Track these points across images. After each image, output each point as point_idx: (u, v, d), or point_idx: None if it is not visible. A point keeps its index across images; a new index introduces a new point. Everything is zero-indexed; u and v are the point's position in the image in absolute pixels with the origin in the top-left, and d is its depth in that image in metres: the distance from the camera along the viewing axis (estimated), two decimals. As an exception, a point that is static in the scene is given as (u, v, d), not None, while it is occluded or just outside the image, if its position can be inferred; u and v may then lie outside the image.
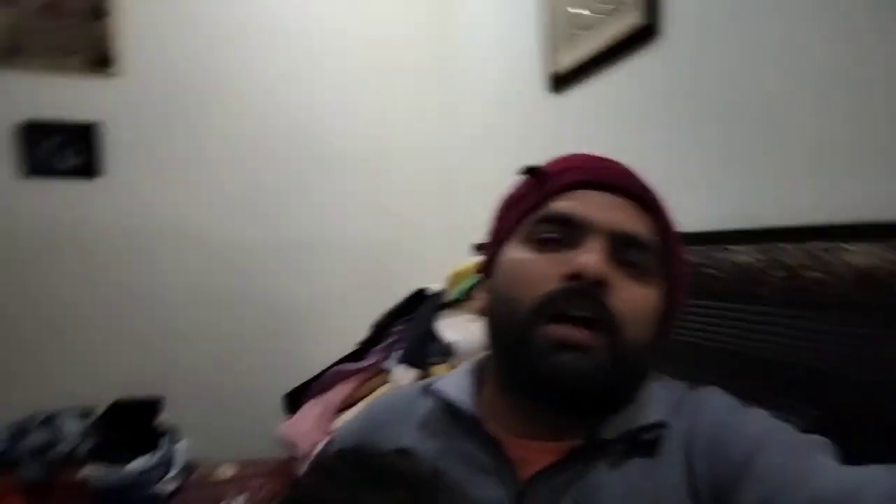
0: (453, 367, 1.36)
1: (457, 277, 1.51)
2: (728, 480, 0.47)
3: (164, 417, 1.67)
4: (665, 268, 0.56)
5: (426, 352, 1.40)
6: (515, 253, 0.56)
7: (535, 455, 0.53)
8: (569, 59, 1.38)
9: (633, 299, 0.52)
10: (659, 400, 0.57)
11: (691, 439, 0.52)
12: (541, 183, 0.57)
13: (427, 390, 0.63)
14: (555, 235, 0.54)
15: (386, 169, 2.14)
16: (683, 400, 0.56)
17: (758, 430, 0.49)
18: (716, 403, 0.55)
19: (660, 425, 0.53)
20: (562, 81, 1.43)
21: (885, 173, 0.69)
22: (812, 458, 0.45)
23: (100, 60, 1.89)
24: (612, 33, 1.20)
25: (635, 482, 0.51)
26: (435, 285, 1.59)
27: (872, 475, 0.39)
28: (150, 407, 1.64)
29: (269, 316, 2.02)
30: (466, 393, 0.60)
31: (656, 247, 0.55)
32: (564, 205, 0.55)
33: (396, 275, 1.90)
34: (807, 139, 0.79)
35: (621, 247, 0.53)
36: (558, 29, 1.42)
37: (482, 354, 0.64)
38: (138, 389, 1.71)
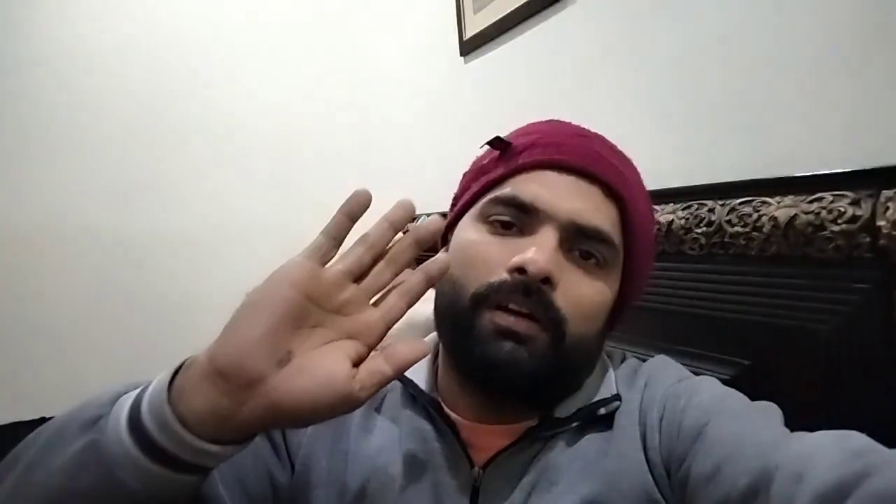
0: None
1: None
2: (680, 450, 0.47)
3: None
4: (625, 257, 0.54)
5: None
6: (469, 231, 0.54)
7: (490, 439, 0.53)
8: (482, 21, 1.33)
9: (582, 294, 0.50)
10: (608, 375, 0.57)
11: (644, 411, 0.52)
12: (505, 158, 0.54)
13: None
14: (509, 219, 0.52)
15: (294, 147, 2.00)
16: (634, 371, 0.57)
17: (707, 398, 0.50)
18: (665, 374, 0.55)
19: (615, 398, 0.54)
20: (476, 44, 1.38)
21: (803, 128, 0.70)
22: (762, 425, 0.45)
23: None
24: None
25: (592, 458, 0.51)
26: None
27: (823, 442, 0.39)
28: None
29: (174, 315, 1.84)
30: (424, 375, 0.58)
31: (616, 238, 0.52)
32: (523, 189, 0.52)
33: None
34: (725, 95, 0.79)
35: (578, 237, 0.51)
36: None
37: (434, 334, 0.61)
38: (25, 411, 1.52)
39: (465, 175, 0.60)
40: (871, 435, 0.39)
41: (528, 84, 1.21)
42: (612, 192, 0.53)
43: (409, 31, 1.77)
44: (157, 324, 1.82)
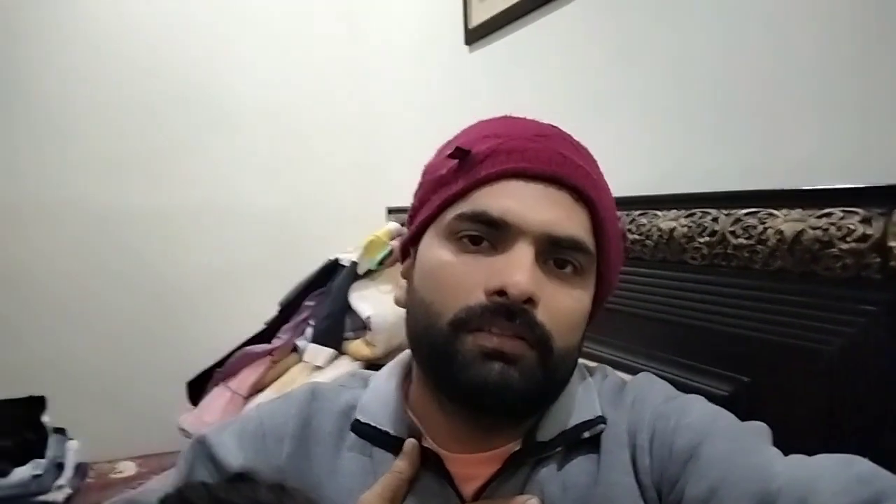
0: (368, 342, 1.29)
1: (372, 246, 1.42)
2: (672, 472, 0.46)
3: (49, 417, 1.50)
4: (601, 257, 0.51)
5: (340, 328, 1.33)
6: (436, 250, 0.50)
7: (474, 468, 0.51)
8: (489, 10, 1.29)
9: (564, 307, 0.48)
10: (591, 393, 0.54)
11: (633, 433, 0.50)
12: (465, 168, 0.50)
13: (356, 431, 0.54)
14: (479, 234, 0.48)
15: (293, 128, 1.96)
16: (619, 392, 0.55)
17: (698, 419, 0.48)
18: (652, 394, 0.53)
19: (599, 421, 0.51)
20: (482, 33, 1.34)
21: (814, 138, 0.67)
22: (756, 447, 0.44)
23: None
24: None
25: (581, 482, 0.49)
26: (349, 255, 1.50)
27: (827, 466, 0.38)
28: (29, 407, 1.46)
29: (163, 294, 1.82)
30: (397, 415, 0.54)
31: (590, 243, 0.50)
32: (491, 203, 0.48)
33: (306, 244, 1.79)
34: (735, 105, 0.76)
35: (553, 248, 0.48)
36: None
37: (405, 353, 0.58)
38: (13, 388, 1.51)
39: (420, 185, 0.56)
40: (870, 461, 0.38)
41: (533, 74, 1.18)
42: (582, 196, 0.50)
43: (414, 20, 1.73)
44: (145, 302, 1.81)
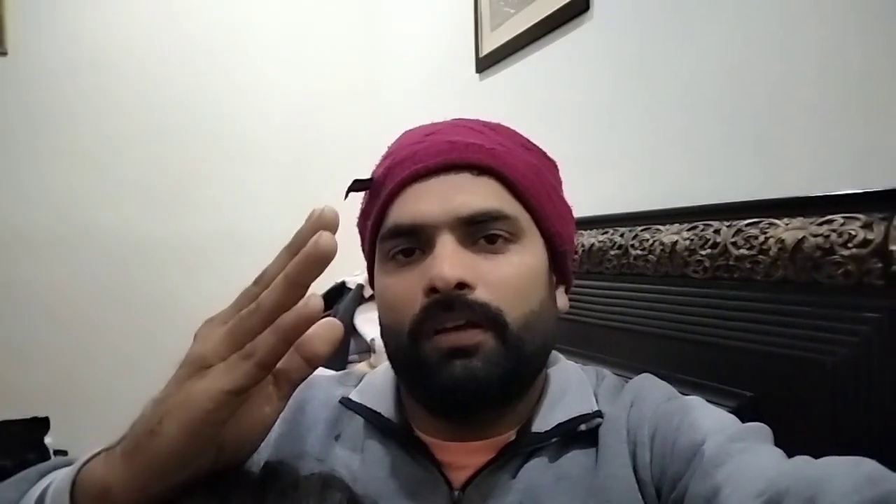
0: (372, 365, 1.28)
1: (379, 269, 1.42)
2: (674, 470, 0.45)
3: (52, 439, 1.50)
4: (531, 213, 0.52)
5: (345, 350, 1.32)
6: (381, 278, 0.52)
7: (467, 457, 0.51)
8: (499, 38, 1.33)
9: (504, 276, 0.48)
10: (586, 388, 0.55)
11: (633, 430, 0.50)
12: (374, 195, 0.53)
13: (345, 403, 0.57)
14: (405, 247, 0.50)
15: (305, 157, 2.01)
16: (618, 391, 0.54)
17: (701, 418, 0.48)
18: (654, 393, 0.53)
19: (596, 415, 0.51)
20: (492, 61, 1.38)
21: (812, 147, 0.67)
22: (760, 447, 0.44)
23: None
24: (542, 10, 1.15)
25: (578, 477, 0.48)
26: (356, 277, 1.50)
27: (835, 466, 0.37)
28: (32, 428, 1.46)
29: (176, 319, 1.82)
30: (390, 401, 0.55)
31: (508, 207, 0.50)
32: (399, 214, 0.50)
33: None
34: (734, 117, 0.76)
35: (472, 227, 0.49)
36: (490, 8, 1.37)
37: None
38: (18, 409, 1.52)
39: (357, 226, 0.58)
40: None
41: (543, 101, 1.20)
42: (481, 168, 0.50)
43: (425, 48, 1.77)
44: (156, 328, 1.81)
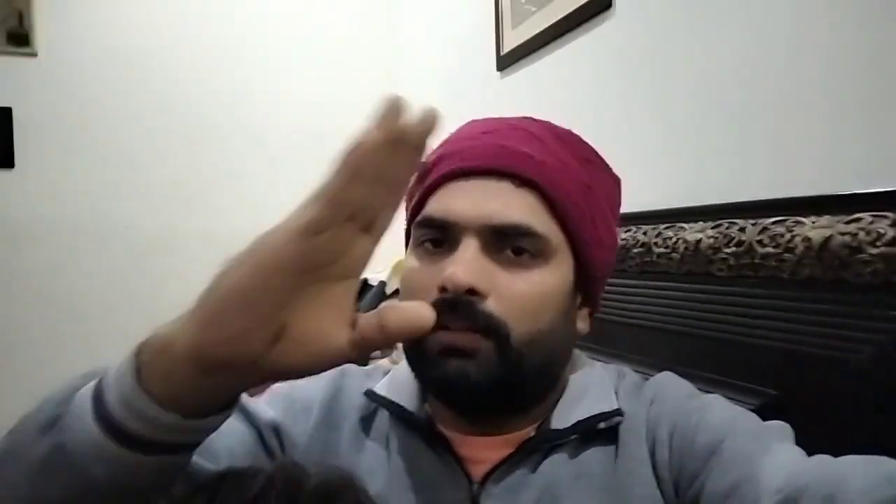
0: (394, 361, 1.30)
1: (400, 265, 1.43)
2: (693, 468, 0.45)
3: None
4: (567, 233, 0.51)
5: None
6: (408, 260, 0.54)
7: (487, 451, 0.51)
8: (519, 36, 1.33)
9: (518, 292, 0.48)
10: (607, 387, 0.55)
11: (652, 427, 0.50)
12: (421, 179, 0.54)
13: (370, 395, 0.58)
14: (435, 238, 0.51)
15: (327, 155, 2.01)
16: (638, 388, 0.55)
17: (720, 416, 0.48)
18: (674, 390, 0.53)
19: (616, 413, 0.51)
20: (513, 59, 1.37)
21: (837, 146, 0.66)
22: (779, 445, 0.44)
23: (14, 39, 1.72)
24: (564, 7, 1.15)
25: (597, 474, 0.49)
26: (378, 274, 1.52)
27: (854, 465, 0.37)
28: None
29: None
30: (413, 394, 0.56)
31: (539, 225, 0.50)
32: (436, 207, 0.51)
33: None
34: (761, 114, 0.76)
35: (500, 237, 0.49)
36: (511, 6, 1.37)
37: None
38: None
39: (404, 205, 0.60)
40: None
41: (564, 99, 1.20)
42: (524, 181, 0.50)
43: (446, 46, 1.78)
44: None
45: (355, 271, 0.35)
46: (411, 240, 0.54)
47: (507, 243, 0.49)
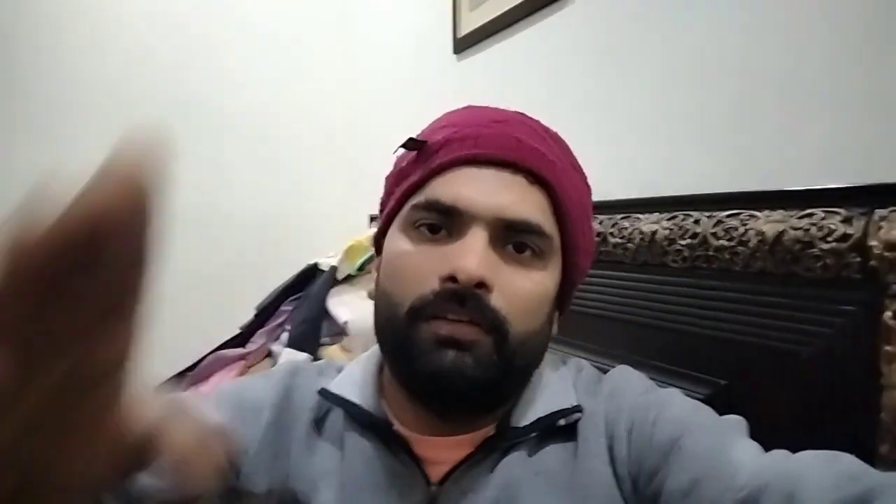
0: (345, 348, 1.27)
1: (353, 251, 1.40)
2: (651, 464, 0.45)
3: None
4: (562, 242, 0.51)
5: (317, 333, 1.30)
6: (397, 241, 0.51)
7: (445, 452, 0.50)
8: (478, 18, 1.30)
9: (520, 290, 0.48)
10: (566, 382, 0.54)
11: (611, 423, 0.50)
12: (422, 158, 0.51)
13: (323, 394, 0.55)
14: (435, 223, 0.49)
15: (278, 134, 1.95)
16: (596, 383, 0.54)
17: (678, 411, 0.48)
18: (631, 385, 0.53)
19: (574, 409, 0.51)
20: (470, 42, 1.35)
21: (791, 140, 0.67)
22: (737, 441, 0.44)
23: None
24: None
25: (556, 472, 0.48)
26: (329, 259, 1.47)
27: (813, 462, 0.38)
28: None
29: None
30: (369, 392, 0.54)
31: (547, 226, 0.50)
32: (444, 191, 0.49)
33: (286, 249, 1.75)
34: (719, 106, 0.77)
35: (507, 232, 0.48)
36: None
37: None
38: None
39: (387, 178, 0.56)
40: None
41: (521, 84, 1.19)
42: (538, 178, 0.50)
43: (403, 29, 1.73)
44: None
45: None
46: (400, 219, 0.52)
47: (512, 238, 0.48)
